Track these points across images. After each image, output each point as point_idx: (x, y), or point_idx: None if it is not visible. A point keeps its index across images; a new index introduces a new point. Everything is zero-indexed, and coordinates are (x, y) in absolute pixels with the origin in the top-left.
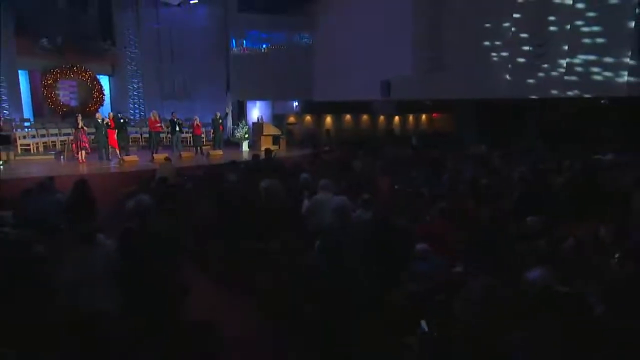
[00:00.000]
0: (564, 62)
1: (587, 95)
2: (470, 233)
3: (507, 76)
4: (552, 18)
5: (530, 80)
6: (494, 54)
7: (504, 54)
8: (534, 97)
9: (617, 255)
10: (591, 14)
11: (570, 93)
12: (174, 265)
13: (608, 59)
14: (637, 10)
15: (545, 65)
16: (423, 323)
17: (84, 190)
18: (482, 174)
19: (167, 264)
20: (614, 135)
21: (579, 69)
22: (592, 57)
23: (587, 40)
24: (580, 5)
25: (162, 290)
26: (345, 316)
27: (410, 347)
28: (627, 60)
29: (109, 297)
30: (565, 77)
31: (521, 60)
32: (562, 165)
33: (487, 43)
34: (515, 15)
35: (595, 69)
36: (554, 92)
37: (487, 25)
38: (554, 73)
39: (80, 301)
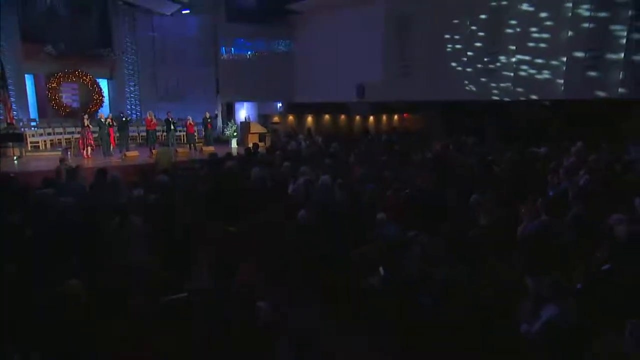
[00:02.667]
0: (512, 65)
1: (532, 97)
2: (419, 205)
3: (464, 81)
4: (512, 22)
5: (483, 82)
6: (449, 46)
7: (458, 47)
8: (483, 97)
9: None
10: (549, 23)
11: (518, 91)
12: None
13: (548, 63)
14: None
15: (496, 70)
16: (381, 269)
17: (105, 176)
18: (437, 163)
19: (188, 223)
20: (555, 132)
21: (524, 72)
22: (535, 61)
23: (532, 44)
24: (543, 14)
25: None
26: (325, 263)
27: (372, 285)
28: (562, 65)
29: (143, 254)
30: (512, 80)
31: (477, 65)
32: (503, 157)
33: (448, 49)
34: (482, 16)
35: (537, 73)
36: (502, 94)
37: (447, 36)
38: (503, 75)
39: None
